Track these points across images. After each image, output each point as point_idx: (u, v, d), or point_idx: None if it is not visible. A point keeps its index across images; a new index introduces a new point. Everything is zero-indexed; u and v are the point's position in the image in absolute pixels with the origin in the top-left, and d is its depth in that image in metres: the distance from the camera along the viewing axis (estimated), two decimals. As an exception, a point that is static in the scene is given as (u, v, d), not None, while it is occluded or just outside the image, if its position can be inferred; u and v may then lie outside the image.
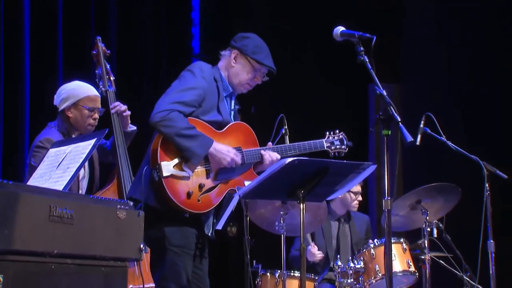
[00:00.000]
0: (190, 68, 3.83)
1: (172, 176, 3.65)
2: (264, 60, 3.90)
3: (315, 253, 5.50)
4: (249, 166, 3.91)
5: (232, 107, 4.00)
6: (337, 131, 4.22)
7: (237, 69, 3.91)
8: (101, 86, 4.70)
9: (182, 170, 3.68)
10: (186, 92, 3.71)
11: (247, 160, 3.87)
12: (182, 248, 3.71)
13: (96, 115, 4.54)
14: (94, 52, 4.82)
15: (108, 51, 4.84)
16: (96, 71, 4.78)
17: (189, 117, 3.72)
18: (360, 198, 5.84)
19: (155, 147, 3.69)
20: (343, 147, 4.19)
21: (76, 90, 4.54)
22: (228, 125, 3.86)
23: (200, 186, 3.72)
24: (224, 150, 3.76)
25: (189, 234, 3.75)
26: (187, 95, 3.71)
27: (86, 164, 4.47)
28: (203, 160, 3.75)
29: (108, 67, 4.79)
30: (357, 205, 5.85)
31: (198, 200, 3.71)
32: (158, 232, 3.67)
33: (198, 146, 3.66)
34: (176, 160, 3.68)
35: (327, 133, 4.20)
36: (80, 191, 4.41)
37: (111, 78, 4.76)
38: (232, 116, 3.97)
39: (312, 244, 5.53)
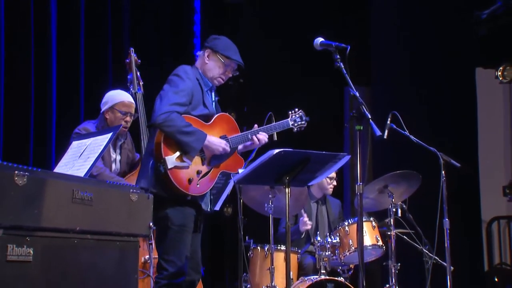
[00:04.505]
0: (176, 73, 3.81)
1: (175, 167, 3.66)
2: (232, 55, 3.89)
3: (307, 221, 5.47)
4: (234, 150, 3.94)
5: (213, 99, 3.99)
6: (297, 109, 4.20)
7: (210, 65, 3.90)
8: (131, 89, 4.78)
9: (182, 161, 3.69)
10: (178, 94, 3.71)
11: (233, 145, 3.89)
12: (183, 227, 3.71)
13: (128, 119, 4.61)
14: (127, 60, 4.87)
15: (139, 61, 4.86)
16: (128, 76, 4.85)
17: (183, 115, 3.72)
18: (334, 183, 5.79)
19: (158, 144, 3.68)
20: (302, 122, 4.17)
21: (114, 96, 4.63)
22: (214, 117, 3.87)
23: (198, 172, 3.74)
24: (216, 141, 3.79)
25: (188, 214, 3.75)
26: (180, 97, 3.70)
27: (116, 149, 4.60)
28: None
29: (138, 74, 4.83)
30: (331, 189, 5.79)
31: (198, 184, 3.73)
32: (162, 214, 3.65)
33: (195, 141, 3.68)
34: (177, 153, 3.69)
35: (290, 112, 4.18)
36: (113, 168, 4.56)
37: (140, 83, 4.83)
38: (214, 106, 3.97)
39: (305, 215, 5.50)
